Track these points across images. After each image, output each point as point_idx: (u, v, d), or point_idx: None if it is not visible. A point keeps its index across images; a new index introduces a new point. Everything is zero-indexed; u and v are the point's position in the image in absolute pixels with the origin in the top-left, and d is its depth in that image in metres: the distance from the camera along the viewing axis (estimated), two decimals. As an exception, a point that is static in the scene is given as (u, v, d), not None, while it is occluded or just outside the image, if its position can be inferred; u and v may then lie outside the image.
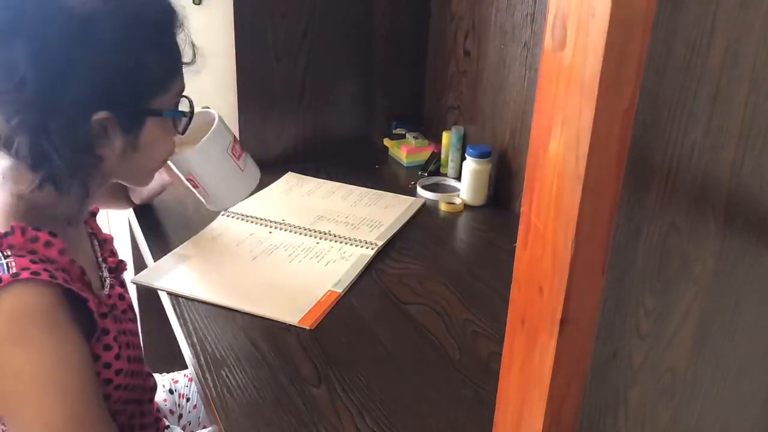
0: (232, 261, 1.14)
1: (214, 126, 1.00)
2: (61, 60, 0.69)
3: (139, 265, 1.19)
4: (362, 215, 1.32)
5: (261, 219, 1.29)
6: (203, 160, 1.01)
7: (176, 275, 1.08)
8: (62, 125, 0.71)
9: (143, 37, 0.76)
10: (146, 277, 1.08)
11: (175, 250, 1.16)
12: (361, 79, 1.61)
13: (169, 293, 1.04)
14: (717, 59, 0.43)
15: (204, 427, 1.17)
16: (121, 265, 0.93)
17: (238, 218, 1.29)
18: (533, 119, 0.43)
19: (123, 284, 0.94)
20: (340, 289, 1.07)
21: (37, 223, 0.73)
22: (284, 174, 1.50)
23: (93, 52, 0.71)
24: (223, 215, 1.29)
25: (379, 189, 1.45)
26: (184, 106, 0.87)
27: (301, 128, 1.57)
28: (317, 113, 1.58)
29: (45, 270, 0.69)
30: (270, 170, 1.50)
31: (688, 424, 0.59)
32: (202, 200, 1.09)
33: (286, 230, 1.26)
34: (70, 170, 0.73)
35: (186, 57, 0.84)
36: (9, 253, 0.69)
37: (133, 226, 1.29)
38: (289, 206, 1.36)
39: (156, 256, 1.14)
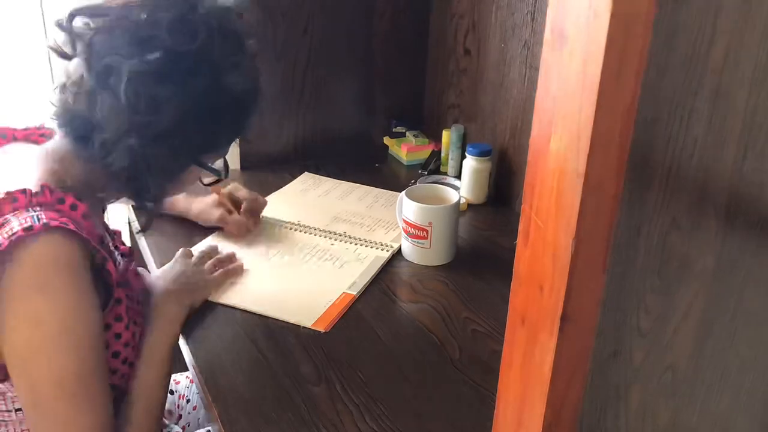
0: (247, 262, 1.13)
1: (458, 198, 1.18)
2: (194, 115, 0.79)
3: (140, 265, 1.19)
4: (378, 216, 1.31)
5: (276, 220, 1.28)
6: (448, 217, 1.15)
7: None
8: (161, 154, 0.79)
9: (247, 117, 0.87)
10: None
11: (193, 249, 1.16)
12: (362, 77, 1.61)
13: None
14: (718, 57, 0.43)
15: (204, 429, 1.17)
16: (133, 253, 0.96)
17: None
18: (534, 117, 0.42)
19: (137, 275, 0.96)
20: (354, 292, 1.06)
21: (70, 190, 0.78)
22: (285, 173, 1.50)
23: (215, 119, 0.82)
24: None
25: (378, 188, 1.45)
26: (218, 166, 0.94)
27: (301, 127, 1.57)
28: (317, 112, 1.58)
29: (73, 222, 0.73)
30: (270, 169, 1.51)
31: (689, 422, 0.59)
32: (412, 250, 1.16)
33: (301, 231, 1.25)
34: (149, 188, 0.82)
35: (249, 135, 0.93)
36: (38, 209, 0.73)
37: (132, 226, 1.29)
38: (305, 207, 1.36)
39: (156, 257, 1.14)
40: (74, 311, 0.72)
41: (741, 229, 0.51)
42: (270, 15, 1.45)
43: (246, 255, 1.15)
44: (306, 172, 1.51)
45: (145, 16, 0.76)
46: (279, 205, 1.35)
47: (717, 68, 0.44)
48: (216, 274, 1.05)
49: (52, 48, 0.79)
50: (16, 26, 1.54)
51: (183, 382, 1.20)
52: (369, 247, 1.19)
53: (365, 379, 0.88)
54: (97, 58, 0.75)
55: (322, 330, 0.97)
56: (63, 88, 0.79)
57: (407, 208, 1.14)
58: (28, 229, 0.69)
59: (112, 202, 0.92)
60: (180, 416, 1.17)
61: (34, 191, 0.73)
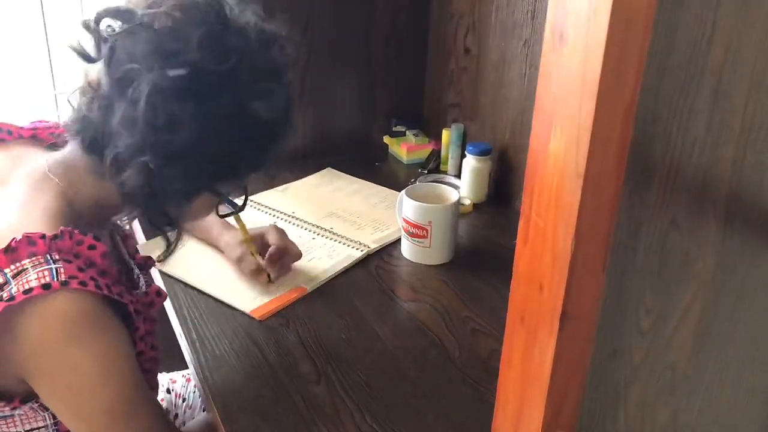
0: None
1: (457, 197, 1.18)
2: (213, 138, 0.74)
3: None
4: (375, 216, 1.31)
5: (272, 209, 1.31)
6: (448, 216, 1.14)
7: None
8: (181, 182, 0.75)
9: (272, 145, 0.81)
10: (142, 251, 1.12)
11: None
12: (362, 76, 1.61)
13: (158, 270, 1.08)
14: (718, 56, 0.43)
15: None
16: (149, 261, 0.93)
17: (251, 206, 1.30)
18: (534, 116, 0.42)
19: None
20: (309, 286, 1.06)
21: (80, 227, 0.75)
22: (285, 171, 1.50)
23: (235, 145, 0.77)
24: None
25: (388, 188, 1.45)
26: (238, 199, 0.92)
27: (301, 125, 1.57)
28: (317, 110, 1.58)
29: (91, 279, 0.71)
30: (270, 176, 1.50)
31: (688, 422, 0.59)
32: (412, 249, 1.16)
33: (289, 222, 1.26)
34: (164, 213, 0.80)
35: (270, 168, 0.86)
36: (57, 257, 0.70)
37: (133, 223, 1.29)
38: (307, 200, 1.37)
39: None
40: (109, 351, 0.73)
41: (740, 229, 0.51)
42: (270, 13, 1.45)
43: None
44: (329, 168, 1.53)
45: (174, 26, 0.72)
46: (282, 196, 1.37)
47: (717, 68, 0.44)
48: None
49: (74, 49, 0.75)
50: (16, 26, 1.54)
51: (179, 381, 1.20)
52: (346, 245, 1.19)
53: (365, 377, 0.88)
54: (117, 65, 0.72)
55: (257, 318, 0.98)
56: (83, 91, 0.76)
57: (407, 207, 1.14)
58: (46, 287, 0.67)
59: (126, 223, 0.89)
60: (176, 415, 1.17)
61: (53, 235, 0.71)
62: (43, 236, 0.70)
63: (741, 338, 0.58)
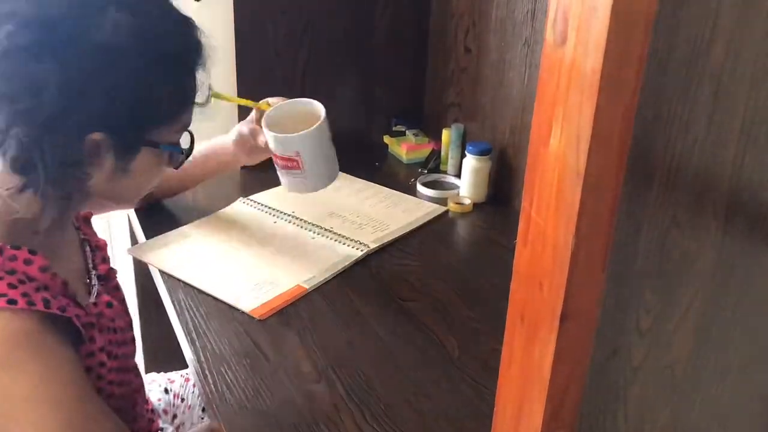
0: (225, 245, 1.16)
1: (324, 112, 1.05)
2: (80, 84, 0.69)
3: (139, 262, 1.19)
4: (375, 216, 1.31)
5: (272, 209, 1.31)
6: (315, 140, 1.04)
7: (167, 252, 1.11)
8: (57, 138, 0.69)
9: (162, 70, 0.75)
10: (139, 250, 1.14)
11: (182, 228, 1.20)
12: (361, 75, 1.61)
13: (158, 269, 1.09)
14: (719, 56, 0.43)
15: (197, 428, 1.17)
16: (111, 273, 0.91)
17: (251, 205, 1.31)
18: (534, 115, 0.42)
19: (117, 288, 0.93)
20: (308, 285, 1.06)
21: (16, 239, 0.72)
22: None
23: (109, 79, 0.70)
24: (239, 201, 1.32)
25: (392, 189, 1.45)
26: (185, 142, 0.85)
27: (301, 125, 1.57)
28: (317, 110, 1.58)
29: (23, 295, 0.68)
30: (270, 167, 1.50)
31: (688, 422, 0.59)
32: (293, 182, 1.09)
33: (290, 222, 1.26)
34: (53, 181, 0.71)
35: (201, 97, 0.82)
36: None
37: (132, 223, 1.29)
38: (307, 200, 1.36)
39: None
40: (44, 377, 0.68)
41: (741, 228, 0.51)
42: (270, 12, 1.45)
43: (228, 239, 1.18)
44: None
45: None
46: (283, 195, 1.36)
47: (717, 67, 0.44)
48: None
49: None
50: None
51: (178, 381, 1.20)
52: (346, 244, 1.19)
53: (365, 377, 0.88)
54: None
55: (256, 317, 0.98)
56: None
57: (269, 139, 1.04)
58: None
59: (65, 225, 0.84)
60: (175, 416, 1.16)
61: None
62: None
63: (741, 338, 0.58)
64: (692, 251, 0.50)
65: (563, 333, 0.43)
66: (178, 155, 0.84)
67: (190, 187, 1.27)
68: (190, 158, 0.89)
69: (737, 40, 0.43)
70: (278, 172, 1.09)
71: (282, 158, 1.05)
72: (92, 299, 0.83)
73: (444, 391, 0.87)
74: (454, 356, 0.93)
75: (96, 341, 0.78)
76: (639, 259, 0.47)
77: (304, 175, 1.05)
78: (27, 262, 0.71)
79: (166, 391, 1.18)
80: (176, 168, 0.87)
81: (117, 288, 0.93)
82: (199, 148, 1.07)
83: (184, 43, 0.77)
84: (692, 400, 0.58)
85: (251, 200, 1.34)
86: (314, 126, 1.03)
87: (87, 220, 0.94)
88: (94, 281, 0.87)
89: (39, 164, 0.69)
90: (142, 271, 1.46)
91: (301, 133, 1.02)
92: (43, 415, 0.67)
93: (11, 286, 0.68)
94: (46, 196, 0.72)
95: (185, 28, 0.78)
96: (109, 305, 0.85)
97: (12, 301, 0.67)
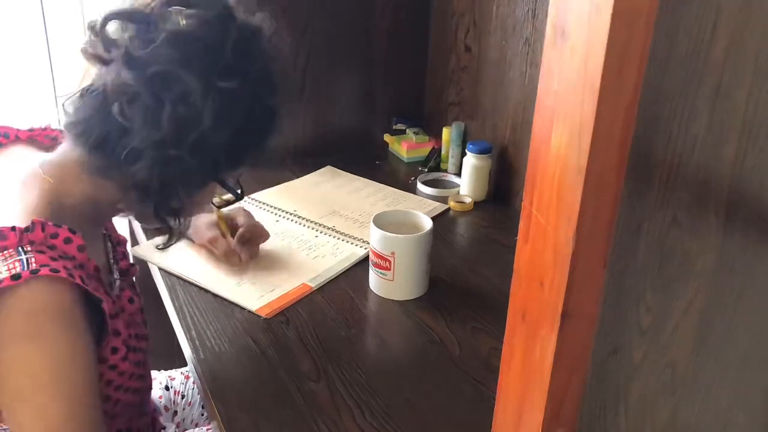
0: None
1: (431, 227, 1.05)
2: (229, 129, 0.76)
3: (138, 262, 1.19)
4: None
5: (274, 207, 1.31)
6: (415, 248, 1.03)
7: (172, 252, 1.10)
8: (193, 174, 0.76)
9: (270, 131, 0.85)
10: (144, 249, 1.14)
11: None
12: (362, 74, 1.61)
13: (161, 269, 1.09)
14: (719, 54, 0.43)
15: (197, 425, 1.17)
16: (132, 269, 0.93)
17: (254, 204, 1.31)
18: (535, 114, 0.42)
19: (133, 287, 0.93)
20: (314, 284, 1.06)
21: (58, 220, 0.74)
22: (286, 170, 1.50)
23: (244, 133, 0.79)
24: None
25: (390, 186, 1.45)
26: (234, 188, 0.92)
27: (301, 123, 1.57)
28: (317, 108, 1.57)
29: (64, 267, 0.69)
30: (268, 165, 1.51)
31: (689, 420, 0.59)
32: (378, 282, 1.07)
33: (292, 221, 1.26)
34: (160, 202, 0.79)
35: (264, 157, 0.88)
36: (29, 248, 0.69)
37: (133, 223, 1.29)
38: (309, 198, 1.37)
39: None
40: (67, 359, 0.69)
41: (741, 227, 0.51)
42: (270, 11, 1.45)
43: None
44: (329, 166, 1.53)
45: (196, 30, 0.73)
46: (284, 193, 1.37)
47: (717, 66, 0.44)
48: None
49: (87, 52, 0.75)
50: (16, 29, 1.53)
51: (178, 378, 1.21)
52: (349, 243, 1.19)
53: (365, 375, 0.88)
54: (141, 66, 0.72)
55: (263, 316, 0.98)
56: (86, 93, 0.75)
57: (372, 234, 1.05)
58: (16, 278, 0.66)
59: (123, 216, 0.89)
60: (175, 413, 1.17)
61: (24, 227, 0.70)
62: (13, 228, 0.69)
63: (741, 337, 0.58)
64: (693, 249, 0.50)
65: (564, 331, 0.43)
66: (225, 194, 0.90)
67: None
68: None
69: (738, 38, 0.43)
70: (370, 269, 1.08)
71: (377, 255, 1.04)
72: (115, 292, 0.85)
73: (444, 390, 0.87)
74: (454, 355, 0.93)
75: (121, 334, 0.79)
76: (639, 257, 0.47)
77: (390, 278, 1.05)
78: (67, 240, 0.73)
79: (167, 388, 1.18)
80: (218, 207, 0.96)
81: (133, 285, 0.94)
82: None
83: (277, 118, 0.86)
84: (693, 398, 0.58)
85: (253, 199, 1.34)
86: (418, 233, 1.04)
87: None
88: (116, 275, 0.88)
89: (171, 184, 0.76)
90: (142, 270, 1.46)
91: (403, 235, 1.03)
92: (53, 403, 0.68)
93: (53, 259, 0.70)
94: (137, 203, 0.79)
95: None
96: (131, 301, 0.87)
97: (55, 270, 0.68)
